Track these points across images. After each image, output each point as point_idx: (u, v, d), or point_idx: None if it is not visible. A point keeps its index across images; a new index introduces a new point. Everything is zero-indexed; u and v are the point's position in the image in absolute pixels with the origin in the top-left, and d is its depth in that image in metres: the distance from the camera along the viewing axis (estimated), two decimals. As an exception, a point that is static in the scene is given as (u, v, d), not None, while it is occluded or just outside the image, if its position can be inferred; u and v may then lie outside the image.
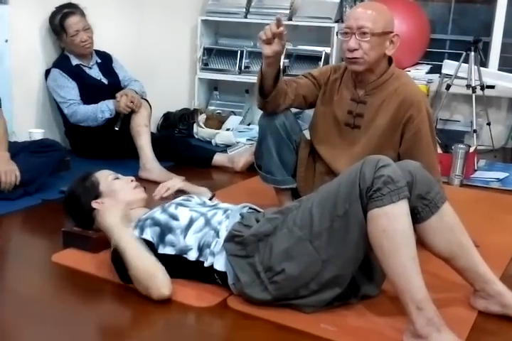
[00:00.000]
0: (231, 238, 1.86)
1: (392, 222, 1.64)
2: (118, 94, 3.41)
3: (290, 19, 4.50)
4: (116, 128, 3.37)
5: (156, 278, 1.85)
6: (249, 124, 4.39)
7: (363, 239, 1.69)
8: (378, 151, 2.20)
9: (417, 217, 1.78)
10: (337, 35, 2.31)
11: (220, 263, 1.88)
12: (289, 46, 4.50)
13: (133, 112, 3.39)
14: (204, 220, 1.97)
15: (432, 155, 2.31)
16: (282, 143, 2.45)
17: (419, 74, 4.34)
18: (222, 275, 1.88)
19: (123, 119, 3.39)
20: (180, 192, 2.22)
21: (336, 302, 1.82)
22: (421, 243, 1.83)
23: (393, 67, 2.33)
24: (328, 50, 4.32)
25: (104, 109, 3.41)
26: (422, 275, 1.64)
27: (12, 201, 2.76)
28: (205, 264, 1.89)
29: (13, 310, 1.87)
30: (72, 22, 3.46)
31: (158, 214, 2.02)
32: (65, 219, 2.33)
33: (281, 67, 2.26)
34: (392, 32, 2.25)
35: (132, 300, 1.91)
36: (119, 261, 1.94)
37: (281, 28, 2.13)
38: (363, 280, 1.87)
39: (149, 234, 1.96)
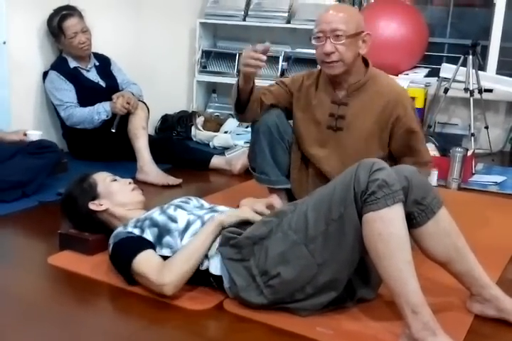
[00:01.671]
0: (226, 241, 1.86)
1: (387, 226, 1.63)
2: (114, 96, 3.41)
3: (288, 22, 4.52)
4: (113, 130, 3.36)
5: (185, 277, 1.85)
6: (247, 127, 4.38)
7: (358, 243, 1.69)
8: (368, 151, 2.27)
9: (413, 222, 1.77)
10: (310, 40, 2.31)
11: (215, 267, 1.88)
12: (287, 49, 4.52)
13: (129, 114, 3.39)
14: (201, 223, 1.97)
15: (425, 150, 2.40)
16: (275, 143, 2.47)
17: (417, 77, 4.34)
18: (218, 278, 1.88)
19: (120, 121, 3.38)
20: None
21: (332, 305, 1.82)
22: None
23: (371, 68, 2.37)
24: (326, 53, 4.33)
25: (100, 111, 3.41)
26: (418, 279, 1.64)
27: (8, 203, 2.76)
28: (201, 268, 1.89)
29: (9, 311, 1.86)
30: (71, 24, 3.46)
31: (156, 215, 2.02)
32: (61, 221, 2.33)
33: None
34: (363, 31, 2.29)
35: (128, 302, 1.91)
36: (120, 262, 1.95)
37: (264, 57, 2.16)
38: (359, 284, 1.87)
39: (149, 235, 1.97)
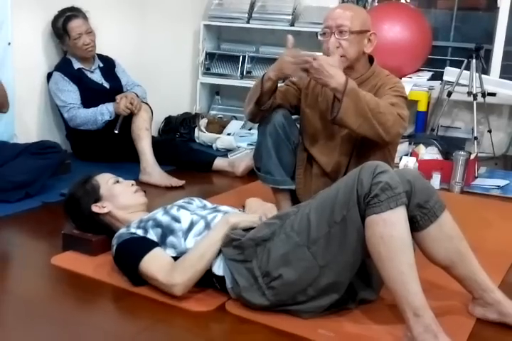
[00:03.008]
0: (229, 242, 1.87)
1: (389, 229, 1.64)
2: (118, 97, 3.42)
3: (292, 25, 4.52)
4: (116, 131, 3.37)
5: (195, 277, 1.86)
6: (250, 129, 4.41)
7: (360, 245, 1.69)
8: (372, 145, 2.26)
9: (415, 225, 1.77)
10: (317, 36, 2.37)
11: (218, 267, 1.88)
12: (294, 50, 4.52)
13: (133, 115, 3.40)
14: (204, 223, 1.98)
15: (401, 108, 2.24)
16: (281, 143, 2.48)
17: (420, 80, 4.34)
18: (221, 279, 1.89)
19: (123, 123, 3.39)
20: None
21: (334, 307, 1.82)
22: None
23: (375, 66, 2.40)
24: (330, 55, 4.34)
25: (103, 112, 3.42)
26: (420, 282, 1.64)
27: (12, 203, 2.77)
28: (204, 268, 1.89)
29: (12, 311, 1.87)
30: (75, 25, 3.47)
31: (160, 215, 2.02)
32: (64, 222, 2.34)
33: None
34: (369, 30, 2.34)
35: (130, 303, 1.92)
36: (126, 264, 1.96)
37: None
38: (360, 286, 1.87)
39: (153, 235, 1.97)
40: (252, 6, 4.69)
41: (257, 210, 2.04)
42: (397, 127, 2.19)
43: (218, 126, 4.40)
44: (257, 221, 1.93)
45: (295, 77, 2.27)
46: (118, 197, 2.17)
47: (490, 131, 4.16)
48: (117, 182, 2.22)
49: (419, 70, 4.55)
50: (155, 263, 1.89)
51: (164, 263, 1.89)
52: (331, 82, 2.12)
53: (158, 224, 1.99)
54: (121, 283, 2.00)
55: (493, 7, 4.57)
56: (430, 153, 3.64)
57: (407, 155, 3.61)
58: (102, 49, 3.70)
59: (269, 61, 4.25)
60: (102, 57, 3.72)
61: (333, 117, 2.15)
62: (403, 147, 3.69)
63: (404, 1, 5.03)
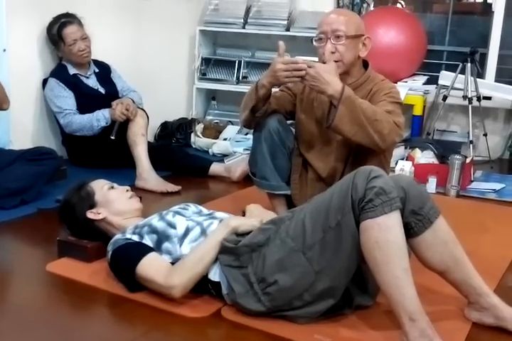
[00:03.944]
0: (225, 248, 1.86)
1: (384, 233, 1.63)
2: (114, 102, 3.42)
3: (288, 30, 4.53)
4: (112, 137, 3.37)
5: (194, 279, 1.85)
6: (246, 134, 4.41)
7: (355, 250, 1.69)
8: (363, 150, 2.27)
9: (410, 231, 1.77)
10: (311, 42, 2.36)
11: (214, 273, 1.88)
12: (286, 57, 4.51)
13: (129, 120, 3.40)
14: (200, 230, 1.98)
15: (397, 115, 2.24)
16: (276, 148, 2.48)
17: (416, 84, 4.36)
18: (216, 285, 1.88)
19: (119, 128, 3.39)
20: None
21: (330, 313, 1.82)
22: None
23: (369, 71, 2.41)
24: (325, 60, 4.35)
25: (99, 118, 3.42)
26: (416, 286, 1.64)
27: (7, 210, 2.77)
28: (200, 274, 1.89)
29: (8, 318, 1.86)
30: (70, 31, 3.47)
31: (155, 221, 2.02)
32: (60, 228, 2.33)
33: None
34: (363, 35, 2.35)
35: (126, 309, 1.91)
36: (122, 269, 1.95)
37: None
38: (356, 292, 1.87)
39: (148, 241, 1.97)
40: (247, 11, 4.71)
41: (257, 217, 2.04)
42: (393, 135, 2.20)
43: (214, 131, 4.40)
44: (257, 224, 1.93)
45: (289, 83, 2.27)
46: (113, 203, 2.17)
47: (485, 135, 4.17)
48: (112, 188, 2.22)
49: (414, 74, 4.57)
50: (153, 265, 1.89)
51: (162, 266, 1.89)
52: (328, 89, 2.12)
53: (153, 230, 1.99)
54: (116, 289, 1.99)
55: (488, 11, 4.58)
56: (426, 157, 3.65)
57: (403, 159, 3.61)
58: (97, 55, 3.70)
59: (265, 66, 4.25)
60: (97, 63, 3.73)
61: (329, 124, 2.15)
62: (399, 151, 3.70)
63: (399, 6, 5.05)
